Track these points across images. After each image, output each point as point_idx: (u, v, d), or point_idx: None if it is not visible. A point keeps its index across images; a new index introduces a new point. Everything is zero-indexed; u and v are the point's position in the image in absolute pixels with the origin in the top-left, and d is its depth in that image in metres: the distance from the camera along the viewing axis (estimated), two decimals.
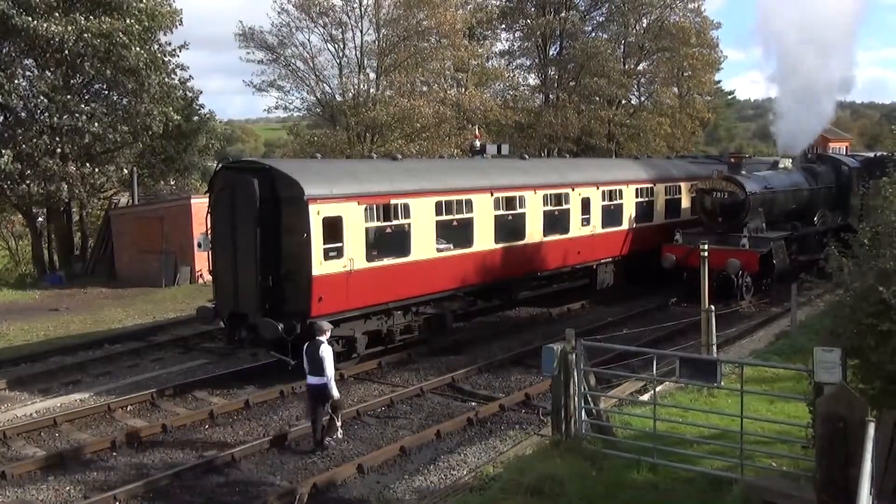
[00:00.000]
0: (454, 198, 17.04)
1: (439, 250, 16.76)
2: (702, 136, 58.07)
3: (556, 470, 8.89)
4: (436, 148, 33.71)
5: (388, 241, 15.65)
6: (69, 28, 26.38)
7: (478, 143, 22.98)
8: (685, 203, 24.56)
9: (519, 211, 18.80)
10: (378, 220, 15.33)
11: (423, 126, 33.88)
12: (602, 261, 21.70)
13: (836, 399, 6.96)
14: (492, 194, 17.94)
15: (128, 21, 27.44)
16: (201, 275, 28.00)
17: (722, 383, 9.96)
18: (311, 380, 11.66)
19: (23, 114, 29.04)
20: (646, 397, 12.09)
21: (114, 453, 11.54)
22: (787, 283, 17.50)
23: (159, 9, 29.33)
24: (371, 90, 34.65)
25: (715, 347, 14.39)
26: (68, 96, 27.71)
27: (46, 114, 27.83)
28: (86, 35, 26.55)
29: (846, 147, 63.83)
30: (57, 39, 26.48)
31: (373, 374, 15.58)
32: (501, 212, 18.26)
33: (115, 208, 31.88)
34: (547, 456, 9.60)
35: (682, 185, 24.40)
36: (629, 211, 22.46)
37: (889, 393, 7.57)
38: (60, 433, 12.49)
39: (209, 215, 15.42)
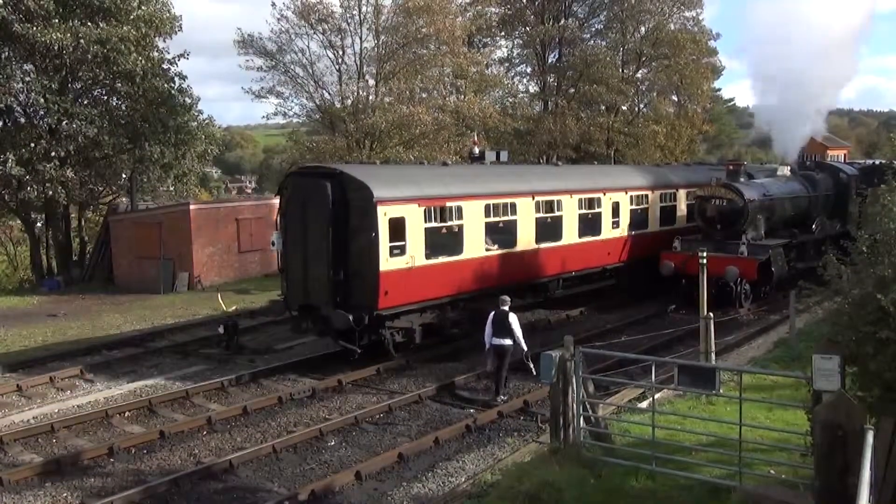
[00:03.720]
0: (500, 201, 18.15)
1: (487, 249, 17.83)
2: (699, 144, 57.95)
3: (554, 477, 8.87)
4: (434, 154, 33.67)
5: (444, 240, 16.76)
6: (67, 35, 26.44)
7: (476, 150, 23.07)
8: None
9: (557, 213, 19.89)
10: (435, 220, 16.47)
11: (421, 133, 33.86)
12: (629, 261, 22.39)
13: (834, 407, 6.96)
14: (533, 198, 19.05)
15: (125, 28, 27.50)
16: (199, 281, 28.00)
17: (720, 391, 9.95)
18: (496, 341, 13.81)
19: (22, 119, 29.10)
20: (644, 405, 12.08)
21: (111, 459, 11.51)
22: (786, 291, 17.48)
23: (158, 15, 29.40)
24: (370, 97, 34.62)
25: (713, 355, 14.38)
26: (66, 100, 27.75)
27: (46, 118, 27.86)
28: (82, 41, 26.61)
29: (844, 155, 64.17)
30: (56, 46, 26.54)
31: (371, 380, 15.56)
32: (542, 214, 19.38)
33: (114, 213, 31.85)
34: (545, 463, 9.57)
35: None
36: (655, 214, 23.39)
37: (888, 400, 7.55)
38: (58, 439, 12.46)
39: (280, 217, 16.55)
